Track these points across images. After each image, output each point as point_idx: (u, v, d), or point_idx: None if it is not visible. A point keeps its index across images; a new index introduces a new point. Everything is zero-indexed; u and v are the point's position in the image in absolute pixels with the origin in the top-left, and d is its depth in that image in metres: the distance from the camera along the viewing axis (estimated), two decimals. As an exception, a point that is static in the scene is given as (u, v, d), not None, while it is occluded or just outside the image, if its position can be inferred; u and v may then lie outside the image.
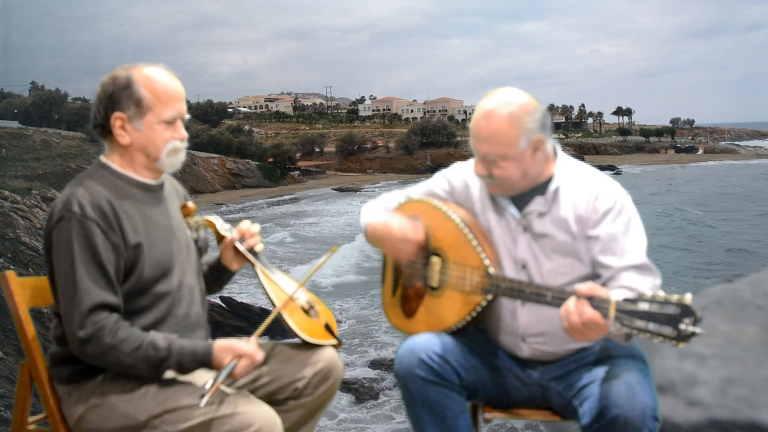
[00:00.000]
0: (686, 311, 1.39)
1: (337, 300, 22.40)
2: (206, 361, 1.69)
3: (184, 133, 1.83)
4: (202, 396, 1.61)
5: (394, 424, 13.86)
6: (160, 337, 1.67)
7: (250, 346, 1.72)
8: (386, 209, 2.05)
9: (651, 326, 1.43)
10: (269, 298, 1.92)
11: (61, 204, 1.68)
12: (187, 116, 1.84)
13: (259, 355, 1.73)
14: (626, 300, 1.49)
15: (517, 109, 1.77)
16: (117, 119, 1.75)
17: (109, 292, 1.66)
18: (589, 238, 1.79)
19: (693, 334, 1.38)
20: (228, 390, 1.73)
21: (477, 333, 1.95)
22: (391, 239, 1.92)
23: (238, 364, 1.69)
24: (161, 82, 1.77)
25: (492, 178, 1.82)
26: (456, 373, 1.82)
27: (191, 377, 1.75)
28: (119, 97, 1.75)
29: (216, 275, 2.04)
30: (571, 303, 1.57)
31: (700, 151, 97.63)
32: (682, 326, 1.39)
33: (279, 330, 1.92)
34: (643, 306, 1.45)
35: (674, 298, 1.41)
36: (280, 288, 1.96)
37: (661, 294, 1.44)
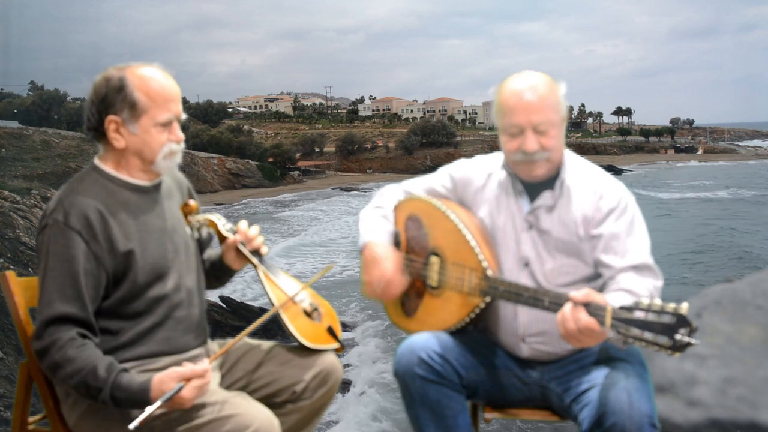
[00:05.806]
0: (682, 321, 1.39)
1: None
2: (143, 396, 1.56)
3: (181, 135, 1.78)
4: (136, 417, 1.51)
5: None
6: (103, 366, 1.57)
7: (197, 367, 1.60)
8: (385, 217, 2.04)
9: (647, 335, 1.43)
10: (270, 300, 1.91)
11: (49, 210, 1.67)
12: (184, 116, 1.79)
13: (208, 377, 1.61)
14: (622, 308, 1.49)
15: (549, 78, 1.83)
16: (111, 123, 1.72)
17: (73, 304, 1.61)
18: (592, 237, 1.80)
19: (688, 344, 1.39)
20: (224, 392, 1.72)
21: (477, 332, 1.95)
22: (369, 276, 1.93)
23: (185, 386, 1.57)
24: (156, 84, 1.73)
25: (544, 150, 1.80)
26: (456, 373, 1.82)
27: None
28: (112, 99, 1.71)
29: (217, 273, 2.02)
30: (567, 309, 1.57)
31: (700, 151, 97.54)
32: (678, 336, 1.39)
33: (279, 332, 1.91)
34: (639, 314, 1.45)
35: (670, 307, 1.41)
36: (282, 290, 1.95)
37: (658, 302, 1.44)
